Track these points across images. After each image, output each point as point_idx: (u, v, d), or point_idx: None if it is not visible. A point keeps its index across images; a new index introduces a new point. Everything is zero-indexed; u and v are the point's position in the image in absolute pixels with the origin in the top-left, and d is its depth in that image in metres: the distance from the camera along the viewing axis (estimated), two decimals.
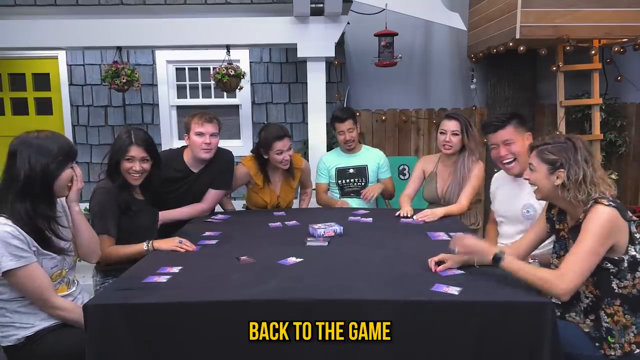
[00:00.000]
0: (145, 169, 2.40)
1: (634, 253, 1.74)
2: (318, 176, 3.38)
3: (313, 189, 3.44)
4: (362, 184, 3.28)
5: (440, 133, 3.00)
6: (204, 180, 2.92)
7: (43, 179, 1.84)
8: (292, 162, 3.10)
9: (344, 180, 3.30)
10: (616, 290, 1.76)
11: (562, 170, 1.81)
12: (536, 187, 1.92)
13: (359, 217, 2.84)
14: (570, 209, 1.87)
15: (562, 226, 1.94)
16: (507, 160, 2.43)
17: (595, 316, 1.82)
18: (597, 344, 1.79)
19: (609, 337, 1.76)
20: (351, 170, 3.29)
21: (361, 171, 3.29)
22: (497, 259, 1.78)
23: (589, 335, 1.82)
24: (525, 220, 2.40)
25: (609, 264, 1.74)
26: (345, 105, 4.80)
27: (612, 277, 1.75)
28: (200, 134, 2.78)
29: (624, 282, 1.75)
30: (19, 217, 1.80)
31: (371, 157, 3.31)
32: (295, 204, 3.41)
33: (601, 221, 1.70)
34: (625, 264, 1.74)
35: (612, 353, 1.76)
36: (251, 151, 3.17)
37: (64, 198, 2.01)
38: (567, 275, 1.68)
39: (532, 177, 1.90)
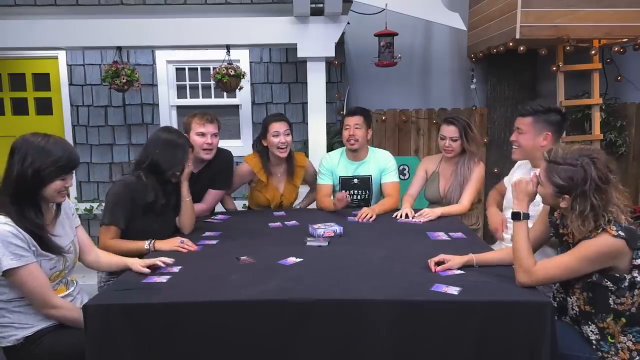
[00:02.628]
0: None
1: (636, 275, 1.71)
2: (320, 177, 3.18)
3: None
4: (366, 196, 3.15)
5: (440, 138, 3.04)
6: (204, 180, 2.92)
7: (33, 183, 1.80)
8: (292, 157, 3.13)
9: (348, 192, 3.11)
10: (612, 306, 1.74)
11: (568, 197, 1.75)
12: (542, 202, 1.90)
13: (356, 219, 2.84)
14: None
15: (566, 230, 1.90)
16: (514, 146, 2.44)
17: (579, 328, 1.83)
18: (593, 347, 1.79)
19: (601, 347, 1.76)
20: (355, 181, 3.13)
21: (365, 182, 3.13)
22: (518, 214, 1.85)
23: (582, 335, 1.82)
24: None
25: (609, 282, 1.72)
26: (345, 105, 4.79)
27: (610, 294, 1.73)
28: (201, 134, 2.79)
29: (621, 299, 1.73)
30: (15, 216, 1.79)
31: (376, 165, 3.12)
32: (297, 203, 3.40)
33: (599, 249, 1.69)
34: (626, 283, 1.71)
35: (608, 357, 1.76)
36: (252, 145, 3.18)
37: (67, 200, 2.01)
38: (536, 274, 1.75)
39: (539, 190, 1.87)
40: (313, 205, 3.32)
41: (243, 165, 3.13)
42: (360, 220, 2.79)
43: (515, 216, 1.87)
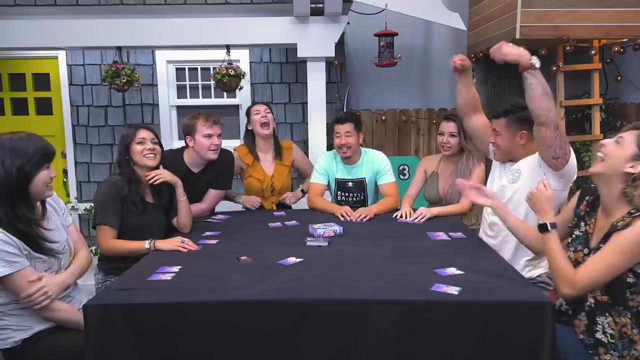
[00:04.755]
0: (157, 150, 2.49)
1: None
2: (314, 175, 3.19)
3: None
4: (361, 198, 3.17)
5: (439, 134, 3.05)
6: (204, 181, 2.93)
7: (19, 182, 1.79)
8: (277, 140, 3.34)
9: (342, 194, 3.19)
10: (630, 303, 1.71)
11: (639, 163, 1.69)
12: (601, 161, 1.79)
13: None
14: (612, 203, 1.76)
15: (590, 221, 1.87)
16: (493, 147, 2.44)
17: (591, 321, 1.79)
18: (590, 351, 1.77)
19: (609, 344, 1.74)
20: (350, 184, 3.16)
21: (359, 185, 3.15)
22: (545, 226, 1.78)
23: (582, 342, 1.80)
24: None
25: (630, 273, 1.68)
26: (345, 105, 4.80)
27: (627, 287, 1.69)
28: (208, 136, 2.82)
29: (634, 296, 1.69)
30: (6, 219, 1.78)
31: (369, 167, 3.13)
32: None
33: (636, 240, 1.63)
34: None
35: (608, 359, 1.74)
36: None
37: (54, 198, 2.02)
38: (581, 283, 1.69)
39: (608, 149, 1.76)
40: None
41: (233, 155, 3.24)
42: (355, 219, 2.80)
43: (543, 228, 1.80)
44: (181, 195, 2.57)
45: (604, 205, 1.82)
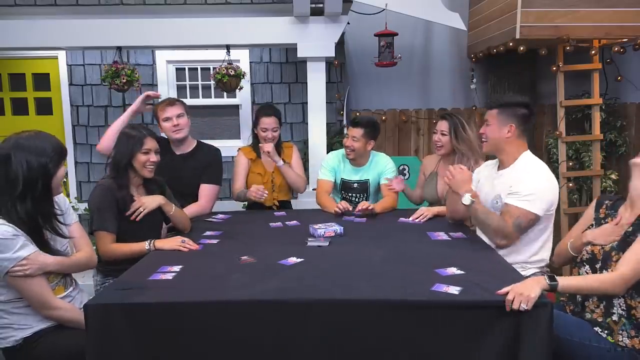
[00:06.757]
0: (158, 161, 2.48)
1: None
2: (321, 172, 3.26)
3: (312, 186, 3.43)
4: (364, 199, 3.21)
5: (434, 132, 3.06)
6: (190, 168, 2.97)
7: (44, 179, 1.85)
8: (280, 142, 3.36)
9: (347, 194, 3.26)
10: None
11: None
12: None
13: (352, 217, 2.88)
14: None
15: (610, 220, 1.99)
16: (483, 139, 2.49)
17: (608, 304, 1.85)
18: (606, 332, 1.83)
19: (621, 324, 1.80)
20: (355, 185, 3.22)
21: (363, 186, 3.22)
22: (553, 287, 1.74)
23: (600, 324, 1.86)
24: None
25: None
26: (345, 105, 4.79)
27: None
28: (167, 119, 2.93)
29: None
30: (17, 219, 1.81)
31: (375, 170, 3.19)
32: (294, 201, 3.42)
33: None
34: None
35: (620, 339, 1.79)
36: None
37: (59, 197, 2.04)
38: (626, 282, 1.76)
39: None
40: (314, 205, 3.30)
41: (237, 155, 3.33)
42: (359, 209, 2.88)
43: (552, 289, 1.77)
44: (169, 210, 2.53)
45: (631, 199, 1.92)
